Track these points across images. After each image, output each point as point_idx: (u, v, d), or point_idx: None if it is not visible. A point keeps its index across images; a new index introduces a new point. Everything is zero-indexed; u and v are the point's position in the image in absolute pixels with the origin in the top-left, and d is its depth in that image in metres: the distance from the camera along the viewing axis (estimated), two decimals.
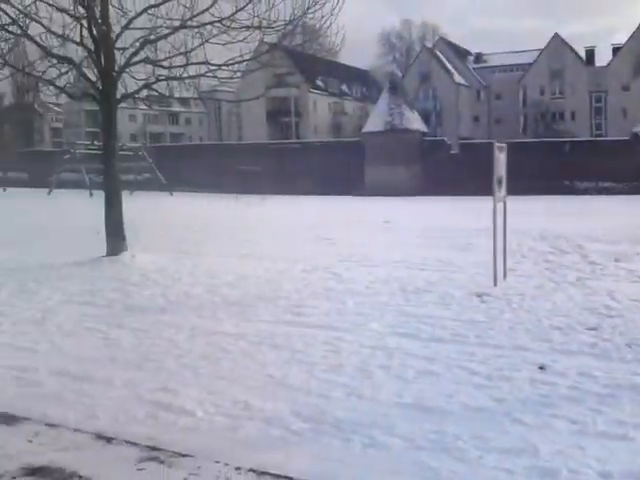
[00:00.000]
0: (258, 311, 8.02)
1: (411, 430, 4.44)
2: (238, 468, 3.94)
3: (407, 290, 9.23)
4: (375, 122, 44.56)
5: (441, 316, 7.64)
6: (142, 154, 46.47)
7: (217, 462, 4.03)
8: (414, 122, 44.26)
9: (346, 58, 64.45)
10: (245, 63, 12.81)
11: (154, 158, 47.44)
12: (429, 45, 77.31)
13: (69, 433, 4.57)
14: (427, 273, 10.64)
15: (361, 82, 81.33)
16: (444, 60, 73.37)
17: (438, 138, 50.73)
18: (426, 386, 5.30)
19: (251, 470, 3.92)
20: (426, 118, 54.64)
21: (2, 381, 5.64)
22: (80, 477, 3.90)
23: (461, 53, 79.39)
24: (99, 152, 41.62)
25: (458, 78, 73.62)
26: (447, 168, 40.43)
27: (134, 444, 4.35)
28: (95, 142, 48.81)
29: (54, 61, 11.48)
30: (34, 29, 10.95)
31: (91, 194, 40.12)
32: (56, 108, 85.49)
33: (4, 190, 51.05)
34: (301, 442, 4.33)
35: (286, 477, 3.84)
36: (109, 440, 4.44)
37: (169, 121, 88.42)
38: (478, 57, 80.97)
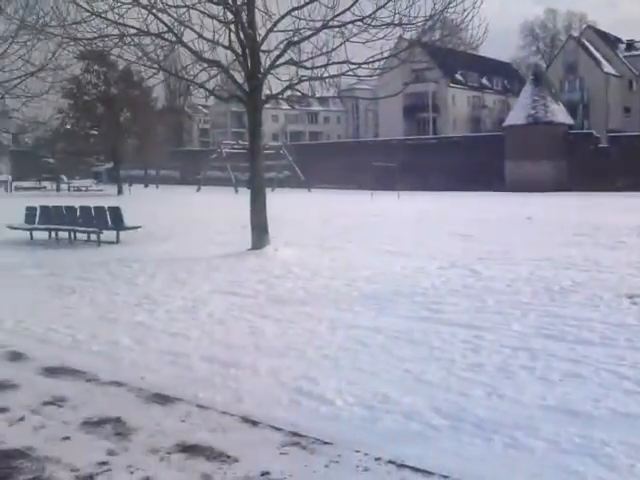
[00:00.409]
0: (395, 306, 8.06)
1: (555, 433, 4.29)
2: (378, 459, 4.01)
3: (551, 290, 8.87)
4: (517, 115, 43.07)
5: (588, 318, 7.28)
6: (283, 152, 48.02)
7: (357, 451, 4.12)
8: (559, 114, 42.30)
9: (486, 50, 62.54)
10: (384, 60, 12.86)
11: (293, 156, 48.86)
12: (575, 34, 73.24)
13: (217, 415, 4.86)
14: (573, 272, 10.17)
15: (502, 74, 78.70)
16: (592, 49, 69.10)
17: (585, 131, 48.16)
18: (571, 389, 5.09)
19: (390, 462, 3.97)
20: (572, 110, 51.81)
21: (158, 364, 6.09)
22: (228, 457, 4.14)
23: (611, 41, 74.36)
24: (244, 151, 43.56)
25: (607, 67, 69.07)
26: (594, 162, 38.31)
27: (277, 429, 4.54)
28: (240, 142, 51.08)
29: (204, 65, 12.16)
30: (187, 35, 11.68)
31: (236, 191, 42.10)
32: (204, 110, 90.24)
33: (157, 187, 54.68)
34: (440, 438, 4.32)
35: (425, 471, 3.85)
36: (254, 424, 4.67)
37: (308, 120, 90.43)
38: (630, 45, 75.38)
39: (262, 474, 3.87)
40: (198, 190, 47.07)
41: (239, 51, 11.82)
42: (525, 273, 10.19)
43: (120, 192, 43.37)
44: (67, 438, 4.49)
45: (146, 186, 56.37)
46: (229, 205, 27.80)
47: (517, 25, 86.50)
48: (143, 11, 11.16)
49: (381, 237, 15.35)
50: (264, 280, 9.93)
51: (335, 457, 4.06)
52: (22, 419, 4.84)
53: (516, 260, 11.52)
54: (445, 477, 3.78)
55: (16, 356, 6.49)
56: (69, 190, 51.46)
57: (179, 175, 62.43)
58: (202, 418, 4.80)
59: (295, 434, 4.43)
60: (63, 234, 16.01)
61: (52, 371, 5.99)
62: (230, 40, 11.62)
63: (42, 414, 4.93)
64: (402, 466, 3.92)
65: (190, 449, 4.26)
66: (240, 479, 3.83)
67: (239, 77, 12.51)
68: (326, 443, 4.27)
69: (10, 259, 13.03)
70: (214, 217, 21.89)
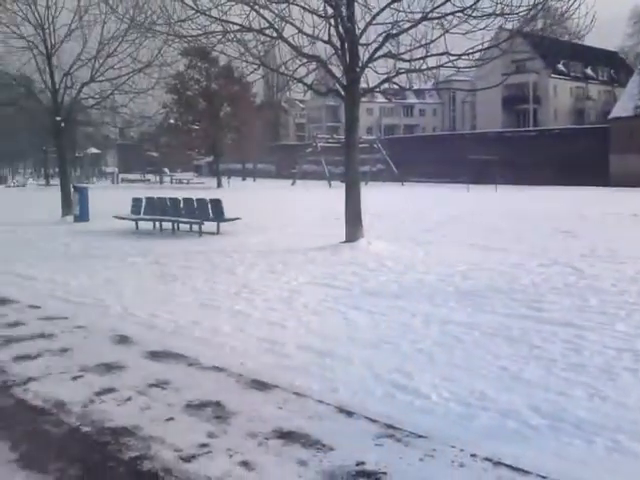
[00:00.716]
0: (492, 302, 7.90)
1: None
2: (473, 455, 3.97)
3: None
4: (624, 106, 41.06)
5: None
6: (376, 146, 47.88)
7: (452, 447, 4.10)
8: None
9: (591, 39, 59.65)
10: (484, 51, 12.57)
11: (387, 150, 48.63)
12: None
13: (313, 403, 4.95)
14: None
15: (608, 64, 74.91)
16: None
17: None
18: None
19: (487, 459, 3.92)
20: None
21: (256, 351, 6.27)
22: (324, 445, 4.21)
23: None
24: (338, 145, 43.78)
25: None
26: None
27: (372, 420, 4.58)
28: (334, 136, 51.36)
29: (304, 60, 12.30)
30: (287, 31, 11.86)
31: (330, 184, 42.42)
32: (300, 105, 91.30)
33: (254, 180, 55.92)
34: (538, 437, 4.23)
35: (523, 470, 3.78)
36: (349, 414, 4.72)
37: (403, 113, 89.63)
38: None
39: (357, 464, 3.92)
40: (293, 184, 47.73)
41: (338, 45, 11.89)
42: (631, 272, 9.73)
43: (219, 185, 44.62)
44: (171, 419, 4.71)
45: (243, 179, 57.75)
46: (323, 198, 28.06)
47: (626, 12, 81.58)
48: (246, 7, 11.44)
49: (477, 232, 15.06)
50: (358, 273, 9.98)
51: (430, 451, 4.06)
52: (129, 399, 5.12)
53: (621, 258, 11.01)
54: (543, 477, 3.69)
55: (123, 340, 6.86)
56: (171, 182, 53.46)
57: (275, 169, 63.57)
58: (299, 406, 4.91)
59: (390, 426, 4.46)
60: (167, 224, 16.68)
61: (156, 355, 6.29)
62: (330, 34, 11.71)
63: (147, 395, 5.19)
64: (499, 464, 3.87)
65: (287, 435, 4.37)
66: (335, 468, 3.89)
67: (337, 71, 12.58)
68: (421, 437, 4.27)
69: (118, 248, 13.73)
70: (308, 210, 22.15)
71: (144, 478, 3.87)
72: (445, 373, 5.41)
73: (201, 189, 38.12)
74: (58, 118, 20.87)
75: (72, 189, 21.18)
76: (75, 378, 5.65)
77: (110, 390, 5.31)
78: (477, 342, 6.30)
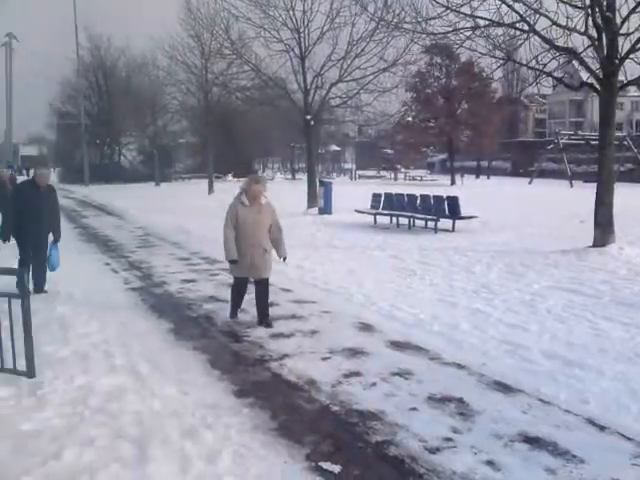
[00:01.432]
0: None
1: None
2: None
3: None
4: None
5: None
6: (627, 143, 44.00)
7: None
8: None
9: None
10: None
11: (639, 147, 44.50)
12: None
13: (560, 412, 4.76)
14: None
15: None
16: None
17: None
18: None
19: None
20: None
21: (497, 352, 6.16)
22: (573, 456, 4.04)
23: None
24: (582, 142, 41.01)
25: None
26: None
27: (628, 438, 4.29)
28: (579, 132, 48.20)
29: (555, 53, 11.70)
30: (539, 23, 11.36)
31: (571, 184, 39.98)
32: (540, 99, 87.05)
33: (488, 178, 54.68)
34: None
35: None
36: (601, 428, 4.46)
37: None
38: None
39: None
40: (530, 182, 45.77)
41: (595, 36, 11.11)
42: None
43: (453, 182, 44.32)
44: (414, 409, 4.84)
45: (477, 177, 56.68)
46: (563, 198, 26.46)
47: None
48: (497, 2, 11.20)
49: None
50: (608, 280, 9.28)
51: None
52: (374, 385, 5.36)
53: None
54: None
55: (366, 327, 7.18)
56: (405, 179, 54.27)
57: (510, 166, 61.50)
58: (544, 412, 4.76)
59: None
60: (403, 220, 17.00)
61: (398, 345, 6.49)
62: (587, 25, 10.98)
63: (391, 383, 5.39)
64: None
65: (533, 441, 4.27)
66: None
67: (591, 63, 11.76)
68: None
69: (358, 240, 14.31)
70: (548, 210, 21.08)
71: (392, 463, 4.03)
72: None
73: (434, 186, 38.18)
74: (308, 117, 22.24)
75: (318, 183, 22.43)
76: (324, 359, 6.05)
77: (356, 374, 5.61)
78: None
